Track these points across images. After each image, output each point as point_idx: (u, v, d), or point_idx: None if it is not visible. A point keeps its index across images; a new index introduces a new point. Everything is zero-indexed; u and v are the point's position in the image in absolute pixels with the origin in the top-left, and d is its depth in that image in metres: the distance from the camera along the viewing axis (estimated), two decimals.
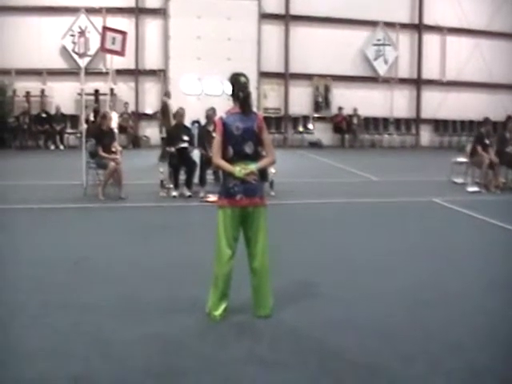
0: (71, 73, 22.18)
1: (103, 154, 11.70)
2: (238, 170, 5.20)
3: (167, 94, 18.21)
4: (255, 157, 5.34)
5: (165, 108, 16.76)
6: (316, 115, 25.74)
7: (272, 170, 11.29)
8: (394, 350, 4.75)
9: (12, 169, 16.50)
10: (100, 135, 12.02)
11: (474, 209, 10.87)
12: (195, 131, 13.26)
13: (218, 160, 5.31)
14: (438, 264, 7.39)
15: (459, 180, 14.01)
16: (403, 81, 26.43)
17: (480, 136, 14.04)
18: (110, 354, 4.63)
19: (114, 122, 14.61)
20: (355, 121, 25.58)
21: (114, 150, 11.89)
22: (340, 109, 25.52)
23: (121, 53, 14.18)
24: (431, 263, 7.41)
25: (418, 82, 26.71)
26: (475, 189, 13.15)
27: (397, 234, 9.04)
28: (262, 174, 5.50)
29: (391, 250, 8.01)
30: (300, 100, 25.45)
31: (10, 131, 22.40)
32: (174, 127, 12.80)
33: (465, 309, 5.80)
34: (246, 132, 5.27)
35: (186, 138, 12.14)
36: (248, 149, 5.29)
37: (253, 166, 5.25)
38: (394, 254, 7.81)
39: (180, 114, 12.64)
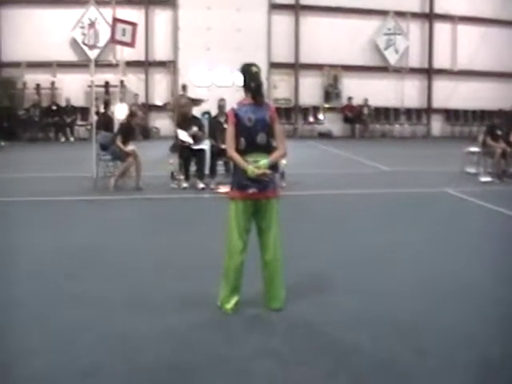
0: (81, 65, 22.17)
1: (121, 146, 11.72)
2: (251, 169, 5.11)
3: (184, 88, 17.97)
4: (267, 148, 5.28)
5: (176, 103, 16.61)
6: (326, 106, 25.64)
7: (283, 162, 11.22)
8: (408, 344, 4.70)
9: (23, 161, 16.54)
10: (127, 129, 12.11)
11: (486, 199, 10.78)
12: (205, 122, 13.22)
13: (232, 152, 5.24)
14: (452, 255, 7.33)
15: (472, 170, 13.90)
16: (414, 70, 26.22)
17: (492, 127, 13.97)
18: (120, 348, 4.61)
19: (124, 113, 14.60)
20: (366, 111, 25.47)
21: (129, 148, 11.91)
22: (350, 99, 25.41)
23: (131, 44, 14.13)
24: (444, 254, 7.35)
25: (428, 72, 26.53)
26: (488, 179, 13.05)
27: (409, 226, 8.96)
28: (274, 165, 5.43)
29: (404, 242, 7.95)
30: (310, 90, 25.35)
31: (20, 123, 22.46)
32: (181, 119, 12.73)
33: (479, 300, 5.74)
34: (258, 123, 5.22)
35: (195, 128, 12.11)
36: (260, 140, 5.23)
37: (265, 161, 5.17)
38: (407, 246, 7.75)
39: (186, 104, 12.60)
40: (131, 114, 12.58)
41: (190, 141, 11.89)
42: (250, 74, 5.32)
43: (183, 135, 11.92)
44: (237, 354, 4.51)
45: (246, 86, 5.33)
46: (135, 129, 12.73)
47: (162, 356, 4.47)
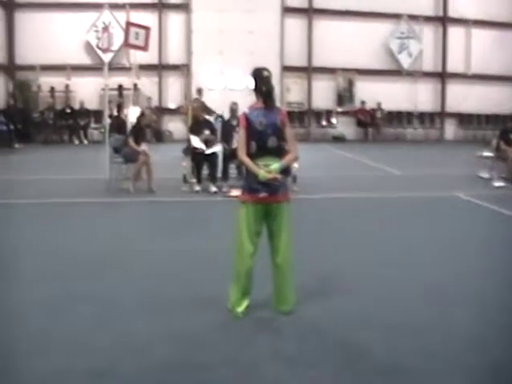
0: (95, 68, 22.33)
1: (134, 145, 11.80)
2: (262, 173, 5.13)
3: (200, 92, 17.98)
4: (278, 152, 5.29)
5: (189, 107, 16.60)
6: (339, 109, 25.62)
7: (295, 165, 11.22)
8: (417, 347, 4.70)
9: (37, 163, 16.69)
10: (137, 130, 12.21)
11: (499, 204, 10.72)
12: (218, 125, 13.24)
13: (243, 156, 5.26)
14: (462, 259, 7.30)
15: (485, 174, 13.83)
16: (427, 74, 26.17)
17: (505, 131, 13.93)
18: (131, 349, 4.64)
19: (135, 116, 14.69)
20: (379, 114, 25.43)
21: (142, 147, 11.97)
22: (363, 102, 25.38)
23: (144, 48, 14.21)
24: (455, 259, 7.33)
25: (442, 76, 26.44)
26: (501, 183, 12.98)
27: (420, 230, 8.95)
28: (285, 168, 5.44)
29: (415, 246, 7.94)
30: (323, 94, 25.35)
31: (35, 126, 22.67)
32: (193, 122, 12.75)
33: (488, 305, 5.72)
34: (269, 127, 5.24)
35: (207, 132, 12.14)
36: (271, 144, 5.24)
37: (276, 166, 5.19)
38: (418, 250, 7.74)
39: (197, 107, 12.61)
40: (141, 115, 12.68)
41: (203, 147, 11.90)
42: (261, 78, 5.35)
43: (196, 141, 11.94)
44: (246, 357, 4.53)
45: (258, 90, 5.35)
46: (145, 129, 12.83)
47: (172, 358, 4.50)
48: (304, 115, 25.37)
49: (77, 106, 23.23)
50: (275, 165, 5.21)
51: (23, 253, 7.41)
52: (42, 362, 4.38)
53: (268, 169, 5.17)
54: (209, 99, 17.43)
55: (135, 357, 4.49)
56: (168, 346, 4.69)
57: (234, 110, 12.51)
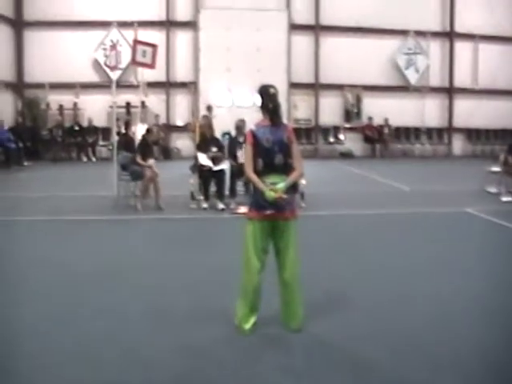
0: (103, 86, 22.41)
1: (141, 162, 11.81)
2: (268, 192, 5.13)
3: (209, 109, 18.00)
4: (285, 169, 5.29)
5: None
6: (347, 125, 25.63)
7: (303, 182, 11.22)
8: (426, 361, 4.68)
9: (46, 180, 16.75)
10: (144, 146, 12.23)
11: (508, 219, 10.67)
12: (226, 143, 13.24)
13: (250, 174, 5.27)
14: (471, 275, 7.26)
15: (493, 189, 13.78)
16: (435, 89, 26.14)
17: None
18: (139, 360, 4.67)
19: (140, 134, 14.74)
20: (386, 130, 25.42)
21: (149, 162, 11.98)
22: (370, 118, 25.38)
23: (151, 65, 14.30)
24: (464, 274, 7.29)
25: (449, 91, 26.43)
26: (509, 198, 12.92)
27: (429, 245, 8.90)
28: (293, 185, 5.43)
29: (423, 261, 7.90)
30: (330, 110, 25.38)
31: (43, 144, 22.81)
32: (200, 140, 12.74)
33: (496, 320, 5.69)
34: (276, 144, 5.24)
35: (214, 149, 12.13)
36: (278, 161, 5.25)
37: (282, 185, 5.19)
38: (427, 266, 7.69)
39: (204, 125, 12.62)
40: (147, 131, 12.71)
41: (210, 164, 11.90)
42: (267, 95, 5.36)
43: (203, 159, 11.94)
44: (254, 371, 4.53)
45: (264, 107, 5.37)
46: (152, 145, 12.89)
47: (179, 371, 4.52)
48: (311, 132, 25.39)
49: (85, 124, 23.37)
50: (281, 184, 5.20)
51: (33, 268, 7.45)
52: (50, 375, 4.40)
53: (274, 188, 5.16)
54: (216, 116, 17.47)
55: (142, 369, 4.51)
56: (175, 360, 4.70)
57: (240, 127, 12.50)
